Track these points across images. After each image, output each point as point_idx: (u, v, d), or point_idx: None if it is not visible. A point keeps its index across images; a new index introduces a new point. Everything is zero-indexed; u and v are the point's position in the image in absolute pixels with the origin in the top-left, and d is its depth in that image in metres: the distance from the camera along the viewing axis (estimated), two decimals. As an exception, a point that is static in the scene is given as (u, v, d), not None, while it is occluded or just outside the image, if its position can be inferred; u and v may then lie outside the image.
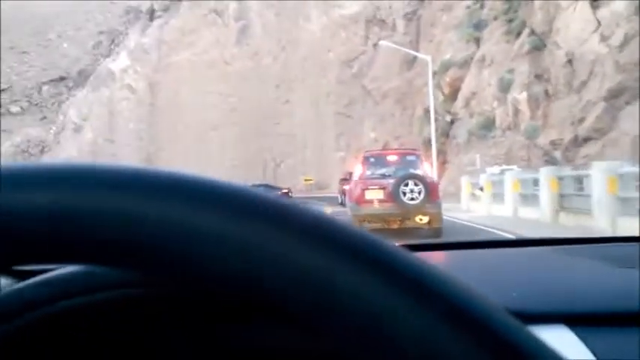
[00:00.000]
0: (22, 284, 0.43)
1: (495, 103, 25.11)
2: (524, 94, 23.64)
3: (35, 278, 0.44)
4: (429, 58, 24.40)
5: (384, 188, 9.34)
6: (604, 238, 1.42)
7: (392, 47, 45.11)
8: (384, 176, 9.69)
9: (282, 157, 47.59)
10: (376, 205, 9.34)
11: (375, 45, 45.80)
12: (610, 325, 0.59)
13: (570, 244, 1.25)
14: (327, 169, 44.96)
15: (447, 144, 27.72)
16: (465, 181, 19.43)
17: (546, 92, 23.48)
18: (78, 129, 48.75)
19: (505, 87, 24.64)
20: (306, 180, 44.85)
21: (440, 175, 26.66)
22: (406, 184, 9.12)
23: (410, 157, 10.18)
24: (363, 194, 9.48)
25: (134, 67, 49.43)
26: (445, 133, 27.74)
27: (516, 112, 23.83)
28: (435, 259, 1.04)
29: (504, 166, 20.72)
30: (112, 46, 51.38)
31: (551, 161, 22.29)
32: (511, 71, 24.79)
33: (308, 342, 0.46)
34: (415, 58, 43.62)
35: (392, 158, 10.20)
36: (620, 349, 0.56)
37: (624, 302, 0.64)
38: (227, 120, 48.56)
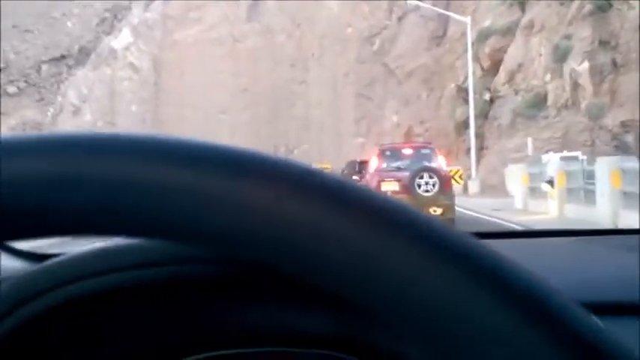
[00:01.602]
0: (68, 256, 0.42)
1: (548, 77, 20.77)
2: (586, 65, 19.28)
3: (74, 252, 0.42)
4: (467, 19, 20.14)
5: (399, 180, 9.70)
6: (608, 230, 1.32)
7: (418, 20, 40.72)
8: (399, 169, 10.05)
9: (296, 143, 43.69)
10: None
11: (400, 19, 41.50)
12: (612, 315, 0.60)
13: (574, 236, 1.27)
14: (346, 156, 40.87)
15: (486, 127, 23.45)
16: (516, 172, 15.21)
17: (614, 62, 19.09)
18: (77, 111, 45.35)
19: (561, 57, 20.28)
20: (322, 167, 40.87)
21: (477, 164, 22.42)
22: (421, 177, 9.45)
23: (424, 151, 10.68)
24: (379, 186, 9.65)
25: (137, 45, 45.79)
26: (483, 114, 23.45)
27: (575, 86, 19.48)
28: None
29: (566, 153, 16.45)
30: (115, 22, 47.74)
31: (621, 147, 17.97)
32: (568, 37, 20.40)
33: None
34: (445, 32, 39.18)
35: (407, 151, 10.69)
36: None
37: (625, 292, 0.64)
38: (237, 102, 44.74)
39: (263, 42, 44.26)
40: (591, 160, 12.36)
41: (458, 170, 20.91)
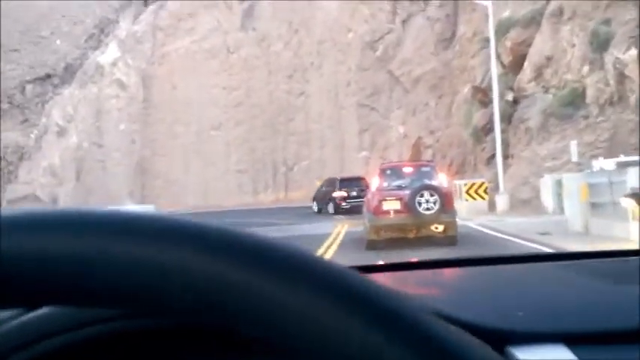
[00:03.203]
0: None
1: (585, 69, 17.49)
2: (633, 52, 15.99)
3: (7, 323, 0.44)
4: (488, 2, 16.95)
5: (400, 199, 9.81)
6: (607, 252, 1.37)
7: (424, 23, 37.61)
8: (400, 187, 10.18)
9: (295, 160, 40.50)
10: (393, 215, 9.74)
11: (404, 21, 38.47)
12: (612, 343, 0.59)
13: (573, 259, 1.25)
14: (349, 172, 37.60)
15: (510, 132, 20.14)
16: (573, 183, 11.79)
17: (667, 47, 15.80)
18: (62, 132, 42.41)
19: (601, 45, 17.02)
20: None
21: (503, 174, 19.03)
22: (422, 195, 9.60)
23: (425, 169, 10.88)
24: (380, 205, 9.82)
25: (125, 60, 42.94)
26: (506, 118, 20.15)
27: (621, 78, 16.18)
28: (440, 276, 1.07)
29: (623, 157, 13.06)
30: (102, 37, 44.98)
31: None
32: (607, 22, 17.15)
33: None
34: (453, 34, 36.05)
35: (407, 170, 10.84)
36: None
37: (624, 320, 0.64)
38: (232, 117, 41.69)
39: (258, 51, 41.30)
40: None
41: (482, 183, 17.55)
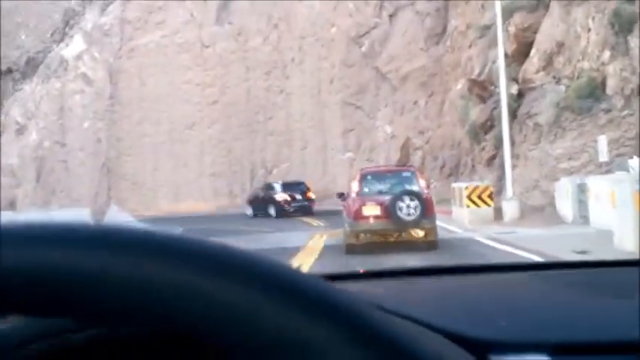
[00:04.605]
0: None
1: (606, 56, 15.03)
2: (664, 34, 13.58)
3: None
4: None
5: (380, 204, 9.88)
6: (602, 262, 1.35)
7: (413, 17, 35.19)
8: (380, 193, 10.21)
9: (275, 162, 37.79)
10: (373, 220, 9.82)
11: (392, 15, 35.97)
12: (596, 354, 0.60)
13: (565, 268, 1.23)
14: (332, 174, 34.96)
15: (514, 129, 17.61)
16: (603, 187, 9.23)
17: None
18: (21, 130, 39.23)
19: (623, 26, 14.58)
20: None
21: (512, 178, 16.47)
22: (402, 200, 9.63)
23: (405, 174, 10.86)
24: (360, 210, 9.90)
25: (91, 53, 39.89)
26: (510, 113, 17.60)
27: (650, 64, 13.75)
28: (425, 284, 1.07)
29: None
30: (67, 30, 41.84)
31: None
32: (630, 0, 14.73)
33: None
34: (444, 28, 33.63)
35: (388, 175, 10.86)
36: None
37: (609, 331, 0.64)
38: (206, 116, 38.86)
39: (235, 46, 38.53)
40: None
41: (487, 187, 14.92)
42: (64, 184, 38.74)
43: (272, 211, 23.74)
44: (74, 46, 40.53)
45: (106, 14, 40.72)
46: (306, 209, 23.78)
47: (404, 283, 1.12)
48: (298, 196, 24.00)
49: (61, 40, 42.28)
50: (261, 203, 24.72)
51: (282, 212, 23.25)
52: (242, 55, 38.56)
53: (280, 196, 23.96)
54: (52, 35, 47.15)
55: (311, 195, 25.43)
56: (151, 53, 39.27)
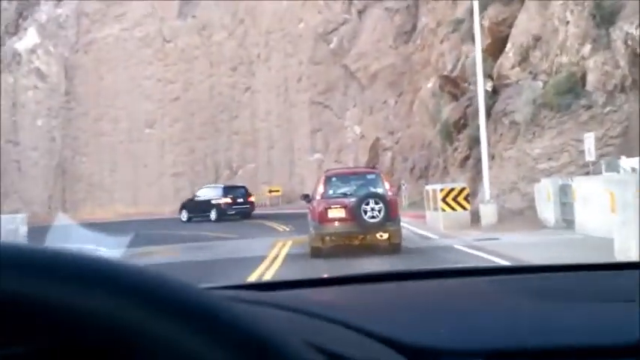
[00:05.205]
0: None
1: (586, 50, 14.18)
2: (649, 27, 12.77)
3: None
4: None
5: (345, 207, 9.76)
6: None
7: (382, 14, 34.29)
8: (345, 195, 10.07)
9: (240, 162, 36.39)
10: (338, 223, 9.73)
11: (361, 12, 34.97)
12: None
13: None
14: (299, 176, 33.73)
15: (489, 127, 16.66)
16: (593, 189, 8.22)
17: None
18: (-31, 128, 36.74)
19: (605, 18, 13.76)
20: (271, 191, 33.69)
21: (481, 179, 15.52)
22: (367, 203, 9.58)
23: (370, 176, 10.71)
24: (325, 213, 9.74)
25: (45, 47, 37.81)
26: (484, 111, 16.69)
27: (634, 58, 12.93)
28: (384, 291, 1.05)
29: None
30: (20, 21, 39.59)
31: None
32: (613, -8, 13.92)
33: None
34: (414, 26, 32.77)
35: (353, 177, 10.71)
36: None
37: (546, 337, 0.64)
38: (167, 113, 37.22)
39: (198, 41, 36.98)
40: None
41: (463, 189, 13.89)
42: (16, 185, 36.56)
43: (213, 214, 23.27)
44: (28, 39, 38.37)
45: (61, 6, 38.67)
46: (245, 213, 23.48)
47: (359, 289, 1.10)
48: (240, 199, 23.88)
49: (15, 32, 39.99)
50: (198, 206, 24.08)
51: (223, 216, 23.00)
52: (206, 50, 37.05)
53: (222, 199, 23.53)
54: (5, 28, 44.71)
55: (252, 199, 24.73)
56: (110, 47, 37.42)
